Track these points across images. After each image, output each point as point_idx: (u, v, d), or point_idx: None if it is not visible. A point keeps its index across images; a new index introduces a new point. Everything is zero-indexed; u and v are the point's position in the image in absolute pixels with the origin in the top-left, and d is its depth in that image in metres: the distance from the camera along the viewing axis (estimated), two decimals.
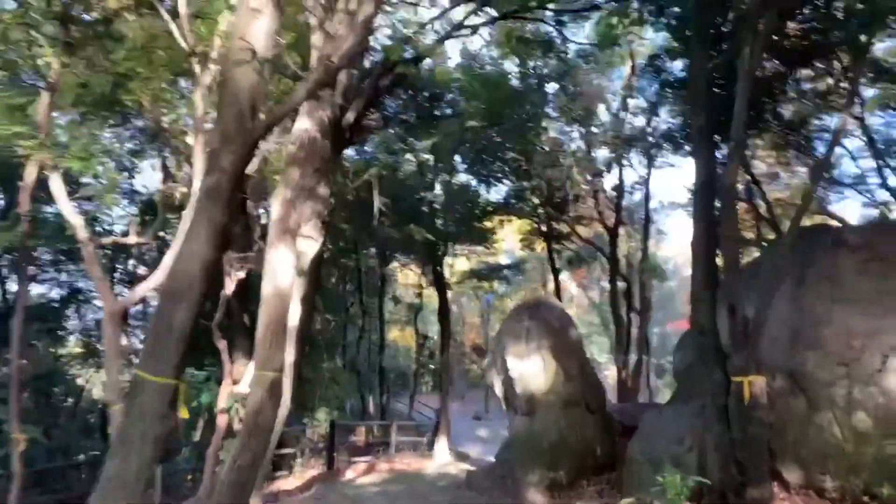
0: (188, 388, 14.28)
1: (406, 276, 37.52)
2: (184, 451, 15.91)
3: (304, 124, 7.84)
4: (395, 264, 32.86)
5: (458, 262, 36.97)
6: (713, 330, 8.51)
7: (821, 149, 15.42)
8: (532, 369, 12.22)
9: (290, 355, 9.91)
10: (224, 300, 12.07)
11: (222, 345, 12.18)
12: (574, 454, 11.76)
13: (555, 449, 11.69)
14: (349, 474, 15.74)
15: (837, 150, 23.30)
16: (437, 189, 23.13)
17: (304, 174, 7.76)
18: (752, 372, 7.83)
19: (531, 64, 21.99)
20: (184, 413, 13.56)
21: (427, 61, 21.68)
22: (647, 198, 23.20)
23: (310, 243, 10.48)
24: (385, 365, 41.93)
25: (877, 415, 7.91)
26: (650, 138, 21.75)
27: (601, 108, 23.95)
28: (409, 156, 24.46)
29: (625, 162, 22.75)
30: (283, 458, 15.67)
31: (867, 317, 8.14)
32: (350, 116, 11.45)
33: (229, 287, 12.13)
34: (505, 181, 24.54)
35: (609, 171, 23.70)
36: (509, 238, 36.78)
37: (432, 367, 47.86)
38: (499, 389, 13.70)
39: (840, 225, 15.08)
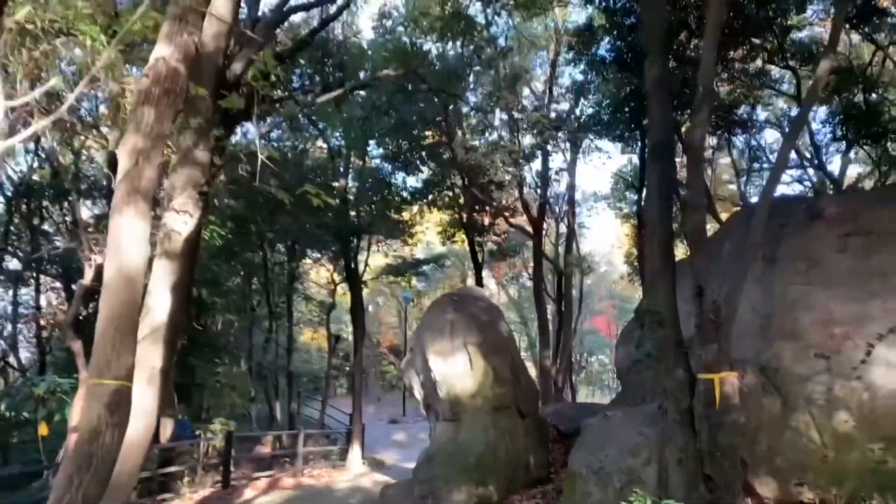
0: (52, 397, 11.90)
1: (319, 274, 35.38)
2: (46, 475, 13.30)
3: (162, 51, 5.90)
4: (306, 261, 30.71)
5: (374, 259, 35.17)
6: (673, 318, 7.14)
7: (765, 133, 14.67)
8: (457, 369, 10.63)
9: (157, 359, 7.89)
10: (81, 291, 9.81)
11: (77, 346, 9.93)
12: (505, 466, 10.23)
13: (483, 461, 10.11)
14: (248, 493, 13.65)
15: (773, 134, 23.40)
16: (350, 177, 21.27)
17: (161, 117, 5.81)
18: (723, 368, 6.50)
19: (452, 45, 20.64)
20: (42, 429, 11.00)
21: (337, 31, 19.84)
22: (572, 186, 22.12)
23: (184, 219, 8.48)
24: (296, 368, 39.60)
25: (861, 414, 6.75)
26: (576, 122, 20.71)
27: (525, 92, 22.77)
28: (318, 141, 22.51)
29: (550, 147, 21.57)
30: (171, 479, 13.44)
31: (849, 301, 6.99)
32: (237, 67, 9.50)
33: (87, 275, 9.89)
34: (423, 167, 23.00)
35: (533, 159, 22.52)
36: (429, 233, 35.33)
37: (347, 369, 45.73)
38: (418, 392, 12.04)
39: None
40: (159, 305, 7.64)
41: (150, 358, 7.39)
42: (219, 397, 15.58)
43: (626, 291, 53.74)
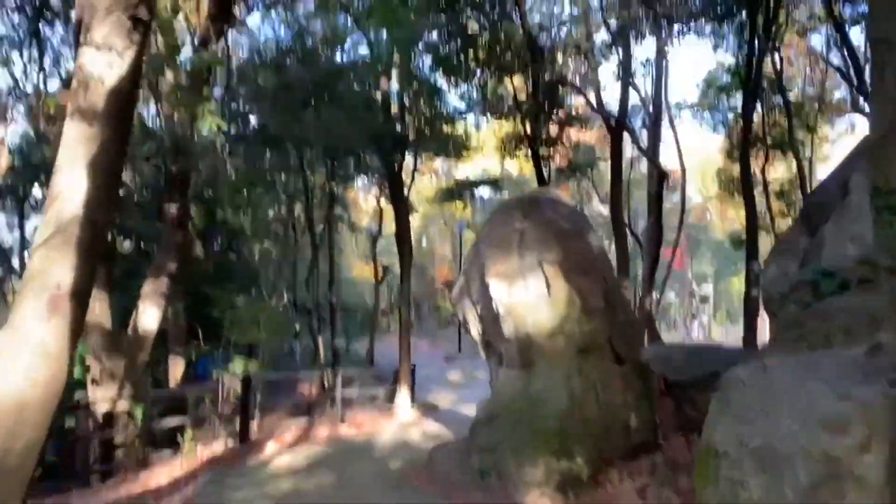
0: None
1: (367, 203, 32.76)
2: None
3: None
4: (352, 190, 28.00)
5: (424, 185, 32.23)
6: None
7: None
8: (528, 297, 7.69)
9: (63, 273, 5.09)
10: None
11: None
12: (596, 429, 7.35)
13: (566, 422, 7.25)
14: (268, 449, 11.35)
15: None
16: (393, 78, 18.11)
17: None
18: None
19: None
20: None
21: None
22: (658, 78, 18.16)
23: (108, 59, 5.68)
24: (346, 303, 37.59)
25: None
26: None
27: None
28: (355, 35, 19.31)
29: (632, 37, 17.76)
30: (180, 431, 11.26)
31: None
32: None
33: None
34: (479, 71, 19.59)
35: (610, 55, 18.84)
36: (485, 154, 32.02)
37: (398, 303, 43.63)
38: (474, 328, 9.20)
39: None
40: (70, 191, 4.89)
41: (52, 271, 4.70)
42: (240, 333, 13.22)
43: (700, 220, 49.63)
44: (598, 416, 7.47)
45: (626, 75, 17.97)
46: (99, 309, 8.78)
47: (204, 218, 17.24)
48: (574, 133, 20.59)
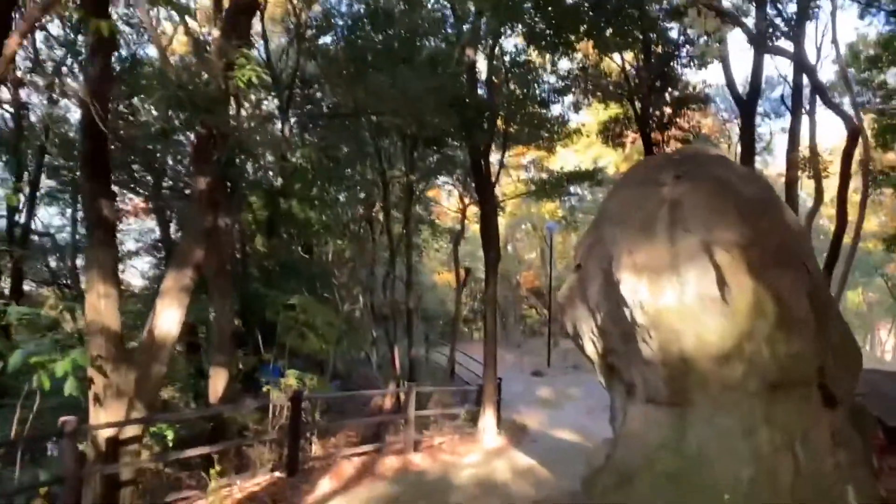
0: None
1: (450, 200, 30.49)
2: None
3: None
4: (432, 187, 25.77)
5: (509, 185, 29.64)
6: None
7: None
8: (688, 301, 5.08)
9: None
10: None
11: None
12: None
13: (748, 501, 4.61)
14: (323, 486, 9.17)
15: None
16: (479, 51, 15.73)
17: None
18: None
19: None
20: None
21: None
22: (798, 44, 14.70)
23: None
24: (426, 309, 35.32)
25: None
26: None
27: None
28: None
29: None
30: (224, 456, 9.24)
31: None
32: None
33: None
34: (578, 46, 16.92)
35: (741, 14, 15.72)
36: (578, 149, 29.14)
37: (481, 310, 41.18)
38: (590, 344, 6.62)
39: None
40: None
41: None
42: (298, 340, 11.15)
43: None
44: (797, 490, 4.76)
45: (759, 40, 14.80)
46: (104, 307, 6.86)
47: (267, 207, 15.39)
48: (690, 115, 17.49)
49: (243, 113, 9.61)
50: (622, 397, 6.42)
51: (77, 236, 16.72)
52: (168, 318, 7.44)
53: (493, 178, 14.93)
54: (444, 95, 11.23)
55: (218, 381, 10.25)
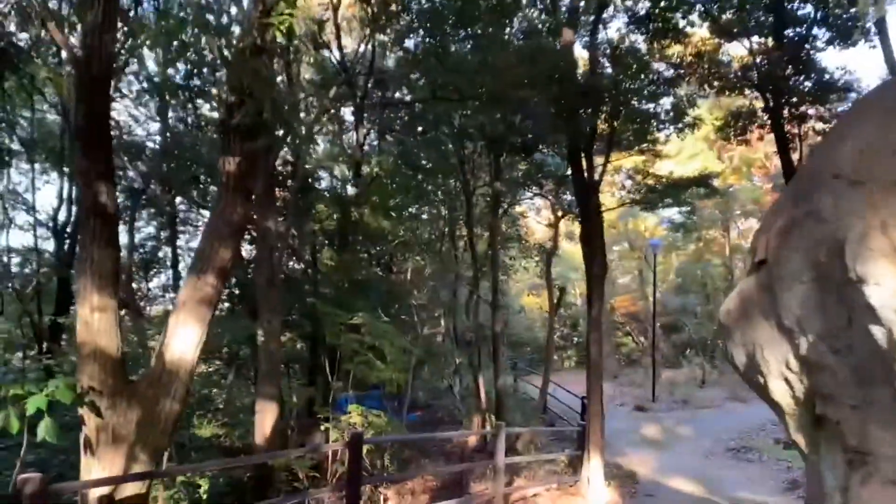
0: None
1: (539, 218, 28.15)
2: None
3: None
4: (521, 203, 23.57)
5: (605, 191, 27.03)
6: None
7: None
8: None
9: None
10: None
11: None
12: None
13: None
14: None
15: None
16: (579, 33, 13.61)
17: None
18: None
19: None
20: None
21: None
22: None
23: None
24: (515, 336, 32.96)
25: None
26: None
27: None
28: None
29: None
30: None
31: None
32: None
33: None
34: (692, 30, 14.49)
35: None
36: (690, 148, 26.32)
37: (575, 339, 38.37)
38: (782, 383, 4.26)
39: None
40: None
41: None
42: (364, 367, 9.22)
43: None
44: None
45: None
46: (99, 323, 5.15)
47: (338, 217, 13.70)
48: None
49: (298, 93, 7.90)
50: (841, 470, 4.02)
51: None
52: (183, 339, 5.66)
53: (598, 177, 12.64)
54: (541, 65, 9.15)
55: (266, 418, 8.43)
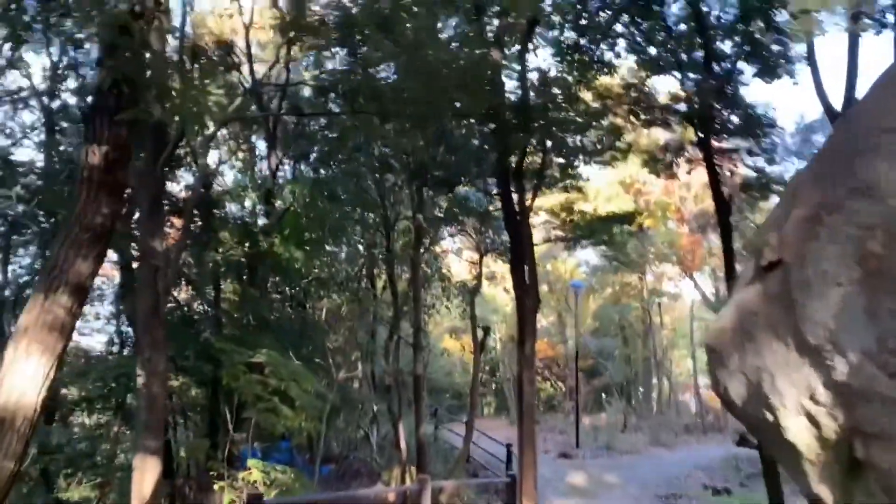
0: None
1: (460, 257, 27.30)
2: None
3: None
4: (439, 242, 22.67)
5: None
6: None
7: None
8: None
9: None
10: None
11: None
12: None
13: None
14: None
15: None
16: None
17: None
18: None
19: None
20: None
21: None
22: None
23: None
24: (434, 380, 31.62)
25: None
26: None
27: None
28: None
29: None
30: None
31: None
32: None
33: None
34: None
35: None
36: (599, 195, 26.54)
37: (494, 383, 37.49)
38: (803, 418, 3.35)
39: None
40: None
41: None
42: (268, 414, 7.79)
43: None
44: None
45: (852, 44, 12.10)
46: None
47: (241, 245, 12.25)
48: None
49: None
50: None
51: None
52: (23, 375, 4.24)
53: (529, 201, 11.93)
54: (471, 71, 8.33)
55: (145, 477, 6.85)
